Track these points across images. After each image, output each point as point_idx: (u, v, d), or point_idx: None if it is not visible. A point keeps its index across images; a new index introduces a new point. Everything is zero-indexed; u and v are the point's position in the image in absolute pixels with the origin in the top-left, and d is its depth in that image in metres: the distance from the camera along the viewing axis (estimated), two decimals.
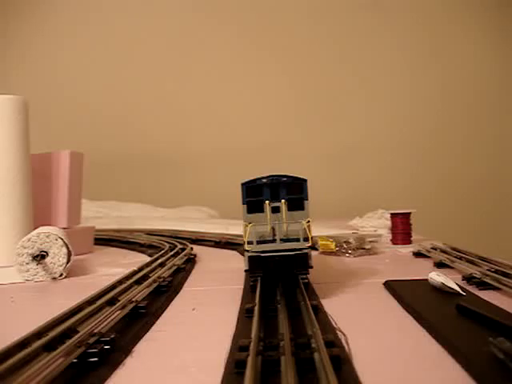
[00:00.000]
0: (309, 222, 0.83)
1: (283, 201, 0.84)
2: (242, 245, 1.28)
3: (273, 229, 0.82)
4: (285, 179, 0.85)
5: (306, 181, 0.86)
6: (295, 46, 3.21)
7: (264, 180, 0.85)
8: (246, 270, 0.84)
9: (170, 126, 3.22)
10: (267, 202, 0.83)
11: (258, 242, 0.82)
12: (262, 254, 0.81)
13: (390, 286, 0.89)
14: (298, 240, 0.81)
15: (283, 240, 0.82)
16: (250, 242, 0.82)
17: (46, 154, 1.62)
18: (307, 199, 0.85)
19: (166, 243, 1.51)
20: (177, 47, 3.26)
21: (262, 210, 0.84)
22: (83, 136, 3.01)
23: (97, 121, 3.21)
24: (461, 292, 0.79)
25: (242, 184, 0.86)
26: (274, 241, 0.82)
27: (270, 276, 0.83)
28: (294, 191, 0.85)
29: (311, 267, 0.82)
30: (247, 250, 0.82)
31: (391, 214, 1.58)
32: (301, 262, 0.81)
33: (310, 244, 0.81)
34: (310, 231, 0.82)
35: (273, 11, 3.22)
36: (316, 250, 1.40)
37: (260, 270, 0.82)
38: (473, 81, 3.10)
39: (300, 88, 3.21)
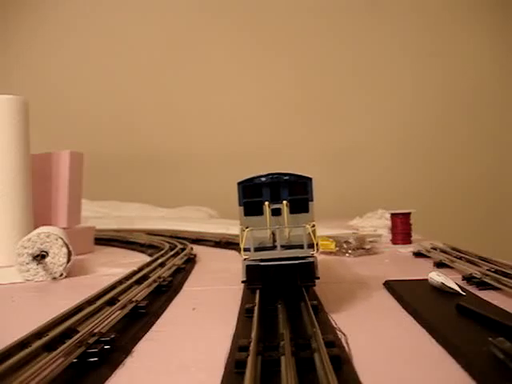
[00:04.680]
0: (314, 226, 0.74)
1: (285, 202, 0.75)
2: None
3: (273, 234, 0.74)
4: (287, 177, 0.75)
5: (310, 179, 0.76)
6: (296, 47, 3.21)
7: (263, 179, 0.76)
8: (243, 281, 0.73)
9: (170, 125, 3.22)
10: (267, 203, 0.75)
11: (257, 249, 0.73)
12: (262, 263, 0.72)
13: (390, 285, 0.89)
14: (301, 247, 0.72)
15: (284, 247, 0.73)
16: (246, 249, 0.73)
17: (46, 154, 1.62)
18: (312, 200, 0.76)
19: (166, 243, 1.51)
20: (177, 48, 3.26)
21: (260, 213, 0.75)
22: (83, 136, 3.01)
23: (97, 121, 3.21)
24: (461, 292, 0.79)
25: (239, 183, 0.77)
26: (274, 247, 0.73)
27: (271, 288, 0.74)
28: (297, 191, 0.76)
29: (317, 278, 0.72)
30: (244, 258, 0.73)
31: (391, 214, 1.58)
32: (306, 272, 0.71)
33: (315, 251, 0.72)
34: (315, 237, 0.72)
35: (274, 11, 3.22)
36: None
37: (259, 281, 0.72)
38: (473, 81, 3.10)
39: (300, 89, 3.21)
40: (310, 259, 0.71)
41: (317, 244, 0.72)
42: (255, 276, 0.72)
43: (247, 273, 0.72)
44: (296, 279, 0.71)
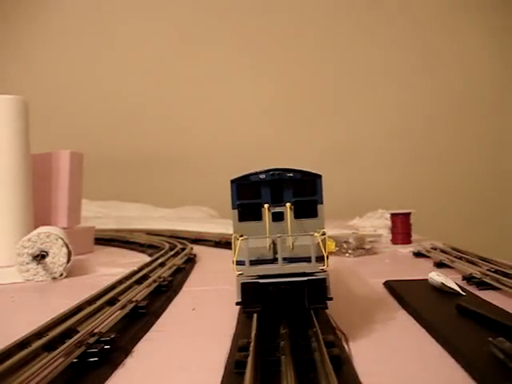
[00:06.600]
0: (324, 234, 0.60)
1: (288, 204, 0.62)
2: None
3: (273, 244, 0.60)
4: (291, 174, 0.62)
5: (319, 177, 0.63)
6: (295, 45, 3.21)
7: (262, 175, 0.62)
8: (237, 303, 0.59)
9: (170, 125, 3.22)
10: (266, 205, 0.62)
11: (253, 263, 0.59)
12: (261, 281, 0.58)
13: (390, 285, 0.89)
14: (308, 260, 0.58)
15: (288, 260, 0.59)
16: (240, 263, 0.59)
17: (46, 154, 1.62)
18: (322, 202, 0.63)
19: (166, 243, 1.51)
20: (175, 48, 3.26)
21: (258, 218, 0.63)
22: (83, 136, 3.01)
23: (97, 121, 3.20)
24: (461, 292, 0.79)
25: (232, 181, 0.64)
26: (274, 261, 0.59)
27: (272, 311, 0.59)
28: (303, 191, 0.63)
29: (330, 299, 0.58)
30: (238, 274, 0.59)
31: (391, 214, 1.58)
32: (315, 291, 0.57)
33: (325, 266, 0.58)
34: (325, 247, 0.59)
35: (273, 11, 3.22)
36: None
37: (257, 302, 0.58)
38: (472, 81, 3.10)
39: (300, 88, 3.21)
40: (321, 275, 0.57)
41: (327, 257, 0.59)
42: (253, 297, 0.57)
43: (243, 293, 0.58)
44: (303, 300, 0.58)
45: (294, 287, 0.57)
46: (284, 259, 0.59)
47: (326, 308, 0.58)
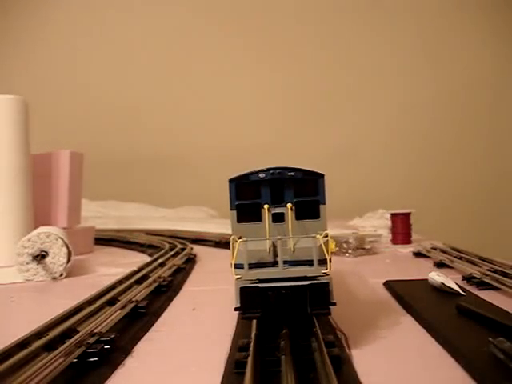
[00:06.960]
0: (327, 236, 0.58)
1: (289, 205, 0.60)
2: None
3: (274, 246, 0.58)
4: (292, 173, 0.61)
5: (322, 176, 0.62)
6: (295, 46, 3.21)
7: (262, 175, 0.61)
8: (236, 309, 0.56)
9: (170, 125, 3.22)
10: (266, 206, 0.61)
11: (252, 266, 0.57)
12: (260, 285, 0.55)
13: (390, 286, 0.89)
14: (310, 263, 0.56)
15: (288, 263, 0.57)
16: (238, 266, 0.57)
17: (46, 154, 1.62)
18: (324, 203, 0.61)
19: (166, 243, 1.51)
20: (176, 49, 3.26)
21: (258, 219, 0.61)
22: (83, 136, 3.01)
23: (97, 121, 3.20)
24: (461, 292, 0.79)
25: (231, 180, 0.62)
26: (274, 264, 0.57)
27: (272, 317, 0.57)
28: (305, 191, 0.61)
29: (334, 304, 0.55)
30: (237, 278, 0.57)
31: (391, 214, 1.58)
32: (318, 296, 0.55)
33: (328, 270, 0.56)
34: (328, 250, 0.57)
35: (272, 12, 3.22)
36: None
37: (257, 308, 0.55)
38: (471, 81, 3.10)
39: (299, 90, 3.20)
40: (323, 279, 0.55)
41: (330, 260, 0.56)
42: (252, 302, 0.55)
43: (241, 298, 0.55)
44: (305, 306, 0.55)
45: (296, 292, 0.55)
46: (285, 262, 0.57)
47: (329, 314, 0.56)
